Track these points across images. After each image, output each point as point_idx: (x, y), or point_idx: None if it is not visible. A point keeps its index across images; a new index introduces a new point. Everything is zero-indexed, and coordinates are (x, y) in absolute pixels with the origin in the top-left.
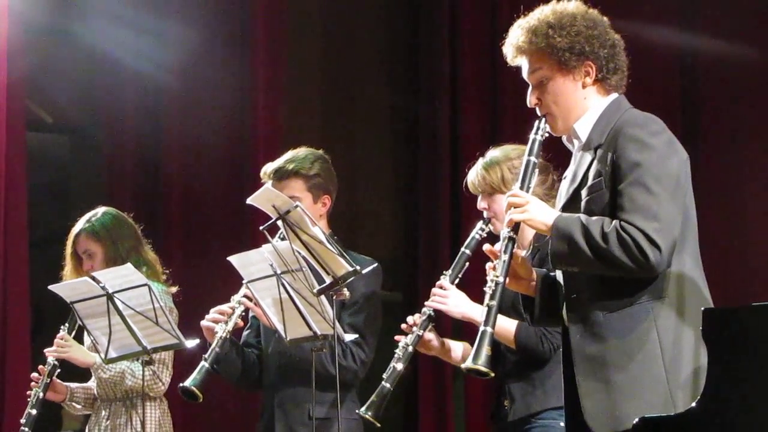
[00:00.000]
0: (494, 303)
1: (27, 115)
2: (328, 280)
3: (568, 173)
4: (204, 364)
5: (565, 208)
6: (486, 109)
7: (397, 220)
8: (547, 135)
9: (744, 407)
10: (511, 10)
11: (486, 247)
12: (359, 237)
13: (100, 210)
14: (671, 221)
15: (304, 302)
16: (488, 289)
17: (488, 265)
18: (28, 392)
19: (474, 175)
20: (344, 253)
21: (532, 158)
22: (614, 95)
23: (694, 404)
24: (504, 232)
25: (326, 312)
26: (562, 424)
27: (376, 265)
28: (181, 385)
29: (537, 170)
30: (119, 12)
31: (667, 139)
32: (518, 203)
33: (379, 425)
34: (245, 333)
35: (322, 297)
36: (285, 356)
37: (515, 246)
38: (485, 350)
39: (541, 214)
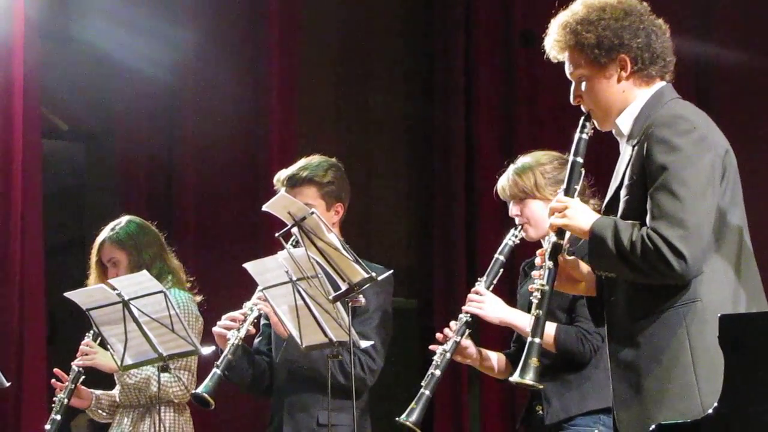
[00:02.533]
0: (541, 312)
1: (42, 122)
2: (343, 286)
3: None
4: (216, 371)
5: (608, 206)
6: (501, 115)
7: (411, 226)
8: (592, 133)
9: (760, 415)
10: (526, 15)
11: (535, 272)
12: (374, 244)
13: (124, 219)
14: (699, 225)
15: (319, 309)
16: (534, 299)
17: (534, 272)
18: (54, 398)
19: (505, 181)
20: (359, 260)
21: (578, 159)
22: (659, 84)
23: (710, 411)
24: (548, 238)
25: (342, 318)
26: (597, 431)
27: (389, 272)
28: (193, 391)
29: (583, 171)
30: (133, 18)
31: (697, 137)
32: (558, 208)
33: None
34: (256, 340)
35: (338, 304)
36: (295, 365)
37: (560, 252)
38: (533, 362)
39: (579, 218)
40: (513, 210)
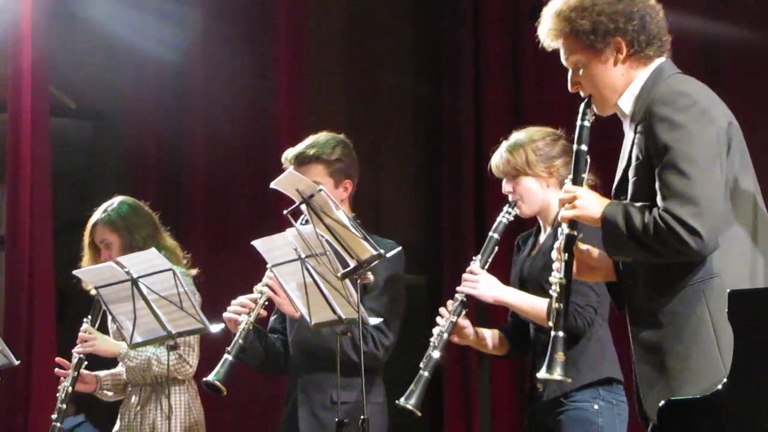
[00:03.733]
0: (561, 305)
1: (51, 100)
2: (352, 263)
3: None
4: (228, 357)
5: (617, 188)
6: (509, 92)
7: (421, 203)
8: (593, 119)
9: None
10: None
11: (555, 265)
12: (383, 220)
13: (116, 200)
14: (710, 200)
15: (328, 286)
16: (553, 292)
17: (554, 266)
18: (58, 387)
19: (498, 158)
20: (368, 237)
21: (583, 147)
22: (657, 62)
23: (719, 386)
24: (561, 229)
25: (351, 296)
26: (596, 406)
27: (399, 249)
28: (204, 379)
29: (588, 159)
30: None
31: (699, 111)
32: (567, 199)
33: (420, 414)
34: (272, 318)
35: (347, 281)
36: (307, 344)
37: (575, 242)
38: (559, 356)
39: (589, 207)
40: (506, 187)
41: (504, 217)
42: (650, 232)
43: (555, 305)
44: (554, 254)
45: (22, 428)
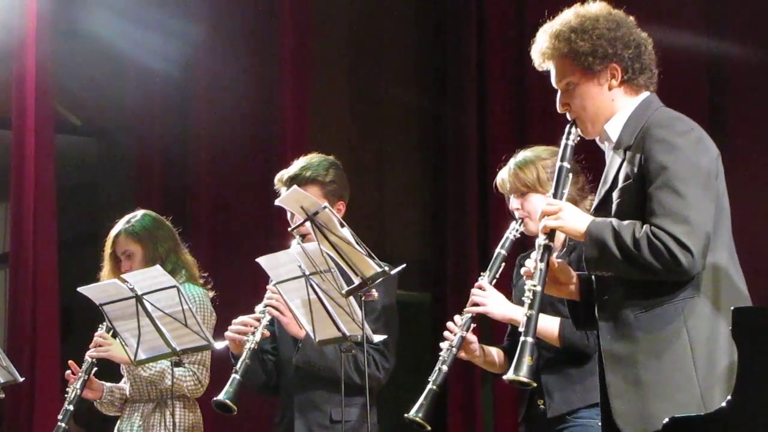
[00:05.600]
0: (533, 312)
1: (55, 117)
2: (356, 281)
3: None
4: (236, 377)
5: (597, 209)
6: (513, 108)
7: (425, 220)
8: (578, 139)
9: None
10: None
11: (524, 270)
12: (387, 237)
13: (140, 212)
14: (702, 222)
15: (332, 303)
16: (527, 299)
17: (523, 270)
18: (66, 390)
19: (506, 175)
20: (372, 254)
21: (565, 164)
22: (645, 94)
23: (724, 404)
24: (539, 240)
25: (355, 313)
26: (600, 423)
27: (402, 267)
28: (215, 399)
29: (570, 176)
30: (144, 14)
31: (695, 138)
32: (551, 211)
33: (429, 428)
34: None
35: (351, 298)
36: (310, 364)
37: (551, 253)
38: (526, 360)
39: (574, 220)
40: (513, 203)
41: (511, 234)
42: (641, 247)
43: (527, 312)
44: (531, 264)
45: None
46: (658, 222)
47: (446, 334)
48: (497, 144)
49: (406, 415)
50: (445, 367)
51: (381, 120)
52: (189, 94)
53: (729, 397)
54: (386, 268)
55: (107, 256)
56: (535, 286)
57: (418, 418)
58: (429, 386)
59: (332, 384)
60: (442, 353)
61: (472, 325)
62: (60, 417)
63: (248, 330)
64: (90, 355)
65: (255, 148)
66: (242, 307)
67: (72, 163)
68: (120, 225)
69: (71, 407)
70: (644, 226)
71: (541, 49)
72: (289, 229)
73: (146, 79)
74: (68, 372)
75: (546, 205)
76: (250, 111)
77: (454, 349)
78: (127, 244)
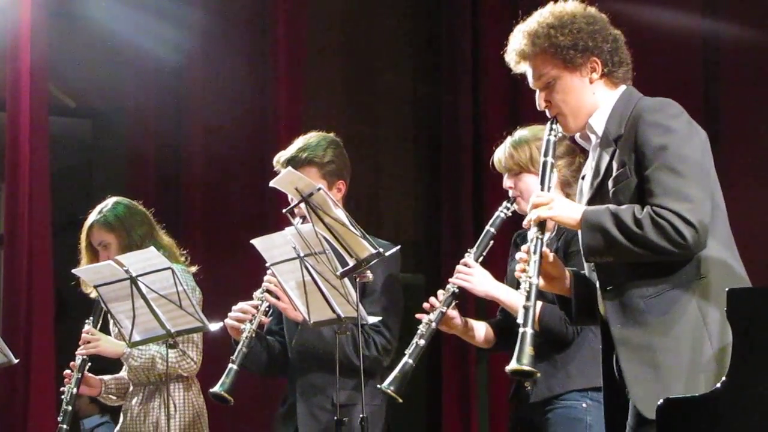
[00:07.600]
0: (530, 304)
1: (50, 99)
2: (351, 262)
3: (587, 170)
4: (233, 367)
5: (591, 202)
6: (507, 91)
7: (419, 202)
8: (560, 135)
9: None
10: None
11: (519, 266)
12: (382, 219)
13: (111, 200)
14: (702, 200)
15: (327, 285)
16: (523, 291)
17: (518, 266)
18: (61, 388)
19: (502, 154)
20: (367, 236)
21: (549, 159)
22: (623, 87)
23: (718, 385)
24: (531, 232)
25: (349, 294)
26: (584, 405)
27: (396, 248)
28: (211, 390)
29: (555, 170)
30: None
31: (687, 120)
32: (542, 202)
33: (401, 400)
34: (269, 319)
35: (346, 279)
36: (308, 347)
37: (543, 245)
38: (528, 350)
39: (568, 209)
40: (507, 182)
41: (502, 212)
42: (644, 227)
43: (525, 304)
44: (523, 255)
45: (20, 425)
46: (659, 201)
47: (426, 306)
48: (491, 127)
49: (378, 386)
50: (422, 342)
51: (376, 105)
52: (184, 78)
53: (723, 378)
54: (380, 250)
55: (84, 247)
56: (530, 278)
57: (389, 391)
58: (405, 359)
59: (333, 367)
60: (420, 327)
61: (454, 302)
62: (60, 418)
63: (246, 317)
64: (79, 353)
65: (249, 133)
66: (237, 289)
67: (66, 145)
68: (92, 216)
69: (70, 407)
70: (645, 207)
71: (518, 49)
72: (284, 210)
73: (142, 63)
74: (67, 371)
75: (536, 198)
76: (244, 96)
77: (433, 324)
78: (101, 235)
